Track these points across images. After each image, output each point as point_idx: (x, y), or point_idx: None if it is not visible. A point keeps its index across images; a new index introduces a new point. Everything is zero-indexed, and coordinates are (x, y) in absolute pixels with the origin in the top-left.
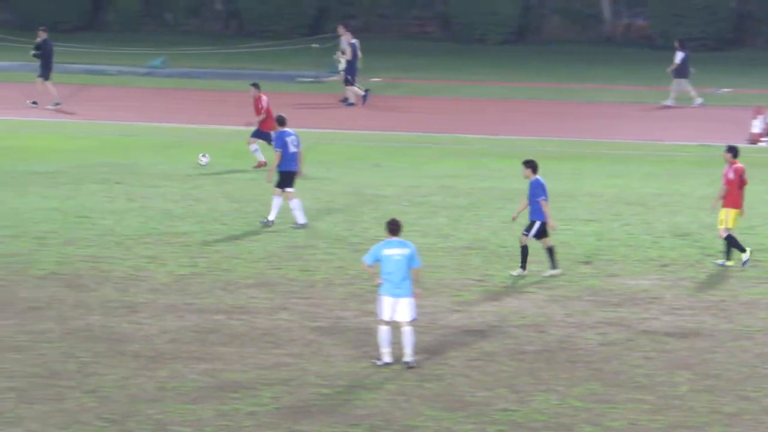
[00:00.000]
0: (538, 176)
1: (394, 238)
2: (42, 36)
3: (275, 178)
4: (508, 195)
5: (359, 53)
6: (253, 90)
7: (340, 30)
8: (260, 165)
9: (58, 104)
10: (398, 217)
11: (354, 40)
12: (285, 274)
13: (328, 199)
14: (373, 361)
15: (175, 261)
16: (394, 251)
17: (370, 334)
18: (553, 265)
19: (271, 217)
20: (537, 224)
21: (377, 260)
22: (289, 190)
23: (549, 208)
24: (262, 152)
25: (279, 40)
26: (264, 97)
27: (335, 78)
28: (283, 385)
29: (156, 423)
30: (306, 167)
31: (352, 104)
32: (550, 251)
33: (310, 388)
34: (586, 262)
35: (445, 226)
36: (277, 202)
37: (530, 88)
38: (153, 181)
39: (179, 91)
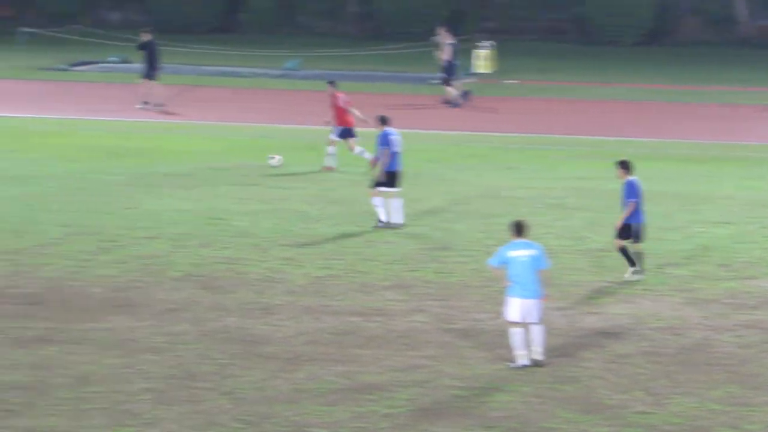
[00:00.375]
0: (632, 177)
1: (520, 240)
2: (146, 37)
3: (375, 179)
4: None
5: (456, 53)
6: (329, 88)
7: (440, 31)
8: (329, 169)
9: (145, 104)
10: (525, 219)
11: (453, 41)
12: (421, 276)
13: (462, 201)
14: (508, 363)
15: (311, 263)
16: (520, 253)
17: (506, 336)
18: (632, 264)
19: (383, 218)
20: (633, 227)
21: (503, 263)
22: (382, 189)
23: (636, 210)
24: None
25: (414, 42)
26: (340, 95)
27: (469, 80)
28: (418, 387)
29: (293, 424)
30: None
31: (464, 97)
32: (624, 251)
33: (446, 390)
34: (723, 265)
35: (580, 228)
36: (397, 202)
37: (664, 90)
38: (287, 182)
39: (314, 93)
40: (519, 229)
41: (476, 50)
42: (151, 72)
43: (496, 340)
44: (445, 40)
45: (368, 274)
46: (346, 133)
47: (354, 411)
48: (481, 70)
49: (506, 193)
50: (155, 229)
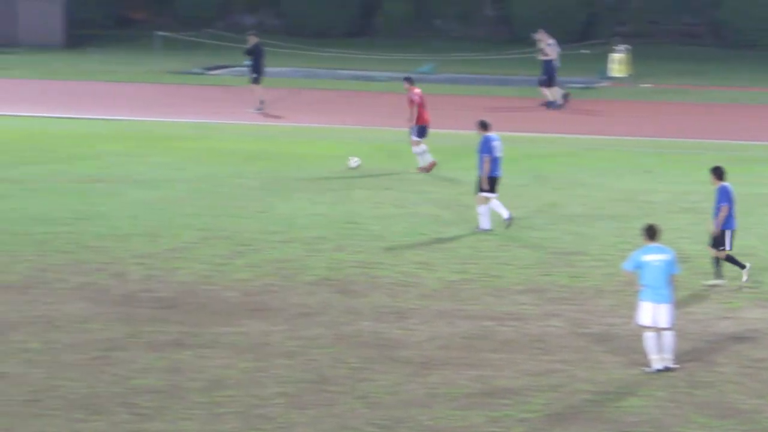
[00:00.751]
0: (724, 183)
1: (653, 244)
2: (253, 41)
3: (478, 183)
4: None
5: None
6: (405, 84)
7: (540, 33)
8: (432, 166)
9: (260, 109)
10: (657, 223)
11: (552, 41)
12: (555, 280)
13: (598, 206)
14: (642, 368)
15: (444, 267)
16: (653, 257)
17: (640, 340)
18: (718, 275)
19: (506, 216)
20: (728, 233)
21: (638, 267)
22: (485, 194)
23: (728, 216)
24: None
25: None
26: (416, 90)
27: (605, 84)
28: (553, 392)
29: (427, 429)
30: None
31: (559, 106)
32: (718, 261)
33: (581, 394)
34: None
35: None
36: (495, 203)
37: None
38: (421, 186)
39: (448, 98)
40: (652, 233)
41: (611, 54)
42: (257, 76)
43: (631, 344)
44: (545, 42)
45: (502, 278)
46: (424, 131)
47: (488, 415)
48: (616, 74)
49: (642, 197)
50: (289, 233)
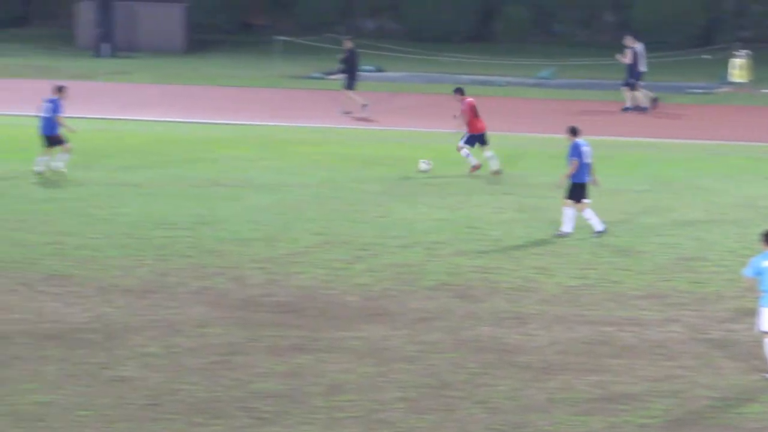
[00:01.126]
0: None
1: None
2: (348, 46)
3: (567, 189)
4: None
5: (642, 58)
6: (457, 96)
7: (626, 37)
8: (476, 168)
9: (365, 105)
10: None
11: (635, 45)
12: (675, 286)
13: (719, 211)
14: (764, 374)
15: (564, 272)
16: None
17: (761, 347)
18: None
19: (565, 229)
20: None
21: (758, 273)
22: (584, 201)
23: None
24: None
25: (670, 50)
26: (467, 101)
27: (726, 89)
28: (673, 398)
29: None
30: (599, 177)
31: (644, 109)
32: None
33: (701, 400)
34: None
35: None
36: (569, 213)
37: None
38: (543, 192)
39: (566, 102)
40: None
41: (732, 59)
42: (351, 81)
43: (752, 350)
44: (628, 45)
45: (621, 284)
46: (475, 139)
47: (608, 421)
48: (737, 79)
49: (763, 203)
50: (409, 237)
